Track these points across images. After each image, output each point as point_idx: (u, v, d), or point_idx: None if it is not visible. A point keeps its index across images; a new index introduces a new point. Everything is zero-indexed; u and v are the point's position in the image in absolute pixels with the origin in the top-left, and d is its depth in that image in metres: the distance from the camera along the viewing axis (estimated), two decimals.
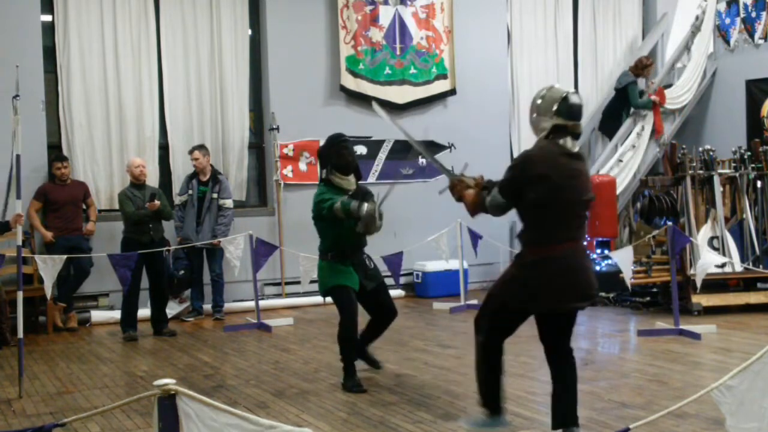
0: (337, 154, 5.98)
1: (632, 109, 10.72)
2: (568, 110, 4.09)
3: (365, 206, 5.62)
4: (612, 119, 11.00)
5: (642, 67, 10.78)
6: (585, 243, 4.23)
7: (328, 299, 6.02)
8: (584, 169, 4.25)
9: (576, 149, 4.18)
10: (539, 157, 4.11)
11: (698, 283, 7.79)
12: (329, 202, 5.74)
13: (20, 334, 5.77)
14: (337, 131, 10.83)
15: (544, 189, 4.03)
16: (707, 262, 7.86)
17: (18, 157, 5.81)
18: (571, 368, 4.25)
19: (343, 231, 5.81)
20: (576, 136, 4.16)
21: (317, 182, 10.09)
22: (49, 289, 6.57)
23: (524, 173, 4.10)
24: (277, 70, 10.09)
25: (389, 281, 9.58)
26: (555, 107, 4.09)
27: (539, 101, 4.16)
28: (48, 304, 8.23)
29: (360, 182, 6.18)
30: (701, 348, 6.74)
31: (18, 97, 5.89)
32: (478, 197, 4.41)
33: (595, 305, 4.30)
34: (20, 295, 5.75)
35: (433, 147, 10.86)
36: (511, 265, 4.36)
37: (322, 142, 9.99)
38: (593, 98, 11.95)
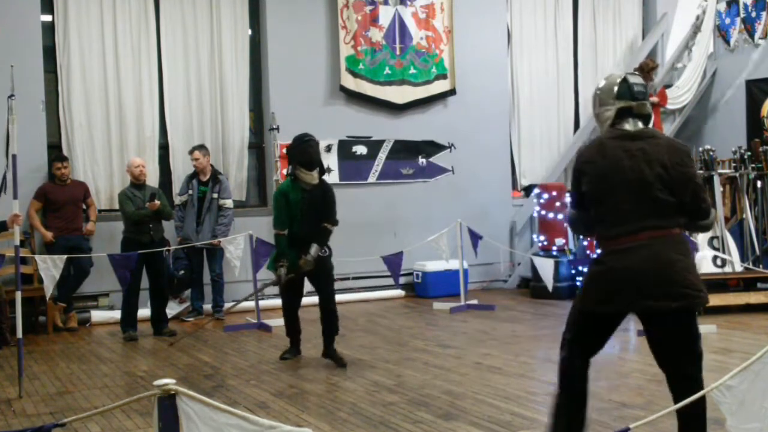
0: (301, 151, 6.61)
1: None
2: (630, 90, 3.88)
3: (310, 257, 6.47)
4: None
5: (648, 71, 10.78)
6: (673, 231, 3.67)
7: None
8: (651, 144, 3.75)
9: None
10: (588, 146, 3.94)
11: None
12: (277, 216, 6.71)
13: (20, 334, 5.77)
14: (337, 131, 10.92)
15: (592, 176, 3.76)
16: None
17: (14, 156, 5.81)
18: (695, 392, 3.40)
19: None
20: (644, 117, 3.89)
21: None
22: (49, 290, 6.56)
23: (576, 169, 3.88)
24: (277, 70, 10.09)
25: (389, 281, 9.67)
26: (615, 90, 3.89)
27: (599, 92, 3.98)
28: (48, 304, 8.22)
29: (323, 177, 6.79)
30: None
31: (13, 96, 5.88)
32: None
33: (692, 310, 3.71)
34: (18, 295, 5.75)
35: (433, 147, 10.89)
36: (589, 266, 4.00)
37: (324, 143, 10.18)
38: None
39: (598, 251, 3.86)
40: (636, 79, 3.94)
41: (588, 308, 3.78)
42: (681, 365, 3.69)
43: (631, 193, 3.67)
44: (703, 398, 3.38)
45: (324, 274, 6.66)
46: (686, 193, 3.68)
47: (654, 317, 3.67)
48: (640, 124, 3.84)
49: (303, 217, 6.51)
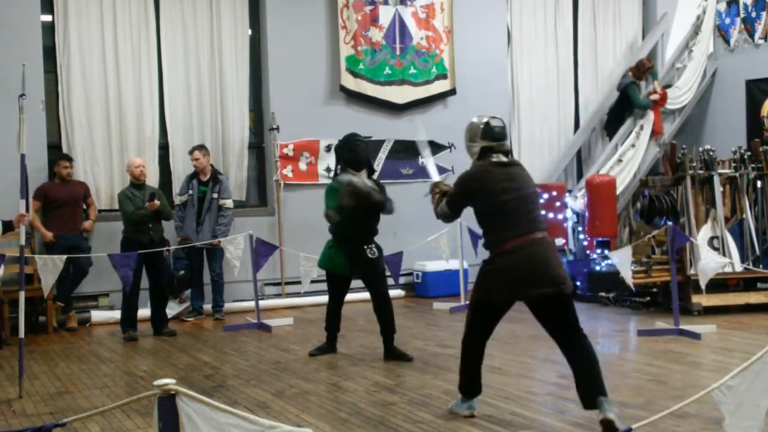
0: (349, 150, 6.65)
1: (635, 110, 10.75)
2: (491, 132, 4.78)
3: (353, 179, 6.35)
4: (616, 120, 11.04)
5: (644, 70, 10.80)
6: (543, 235, 4.66)
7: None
8: (520, 171, 4.80)
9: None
10: (474, 173, 4.80)
11: (702, 284, 7.61)
12: (331, 202, 6.46)
13: (21, 334, 5.77)
14: (337, 131, 10.89)
15: (483, 197, 4.70)
16: (709, 263, 7.74)
17: (23, 156, 5.82)
18: (582, 344, 4.58)
19: (343, 219, 6.42)
20: (505, 153, 4.81)
21: (317, 182, 10.26)
22: (47, 289, 6.57)
23: (465, 190, 4.83)
24: (277, 70, 10.09)
25: (389, 281, 9.63)
26: (480, 131, 4.78)
27: (469, 128, 4.86)
28: (47, 303, 8.22)
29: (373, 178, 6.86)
30: (701, 348, 6.74)
31: (24, 96, 5.90)
32: (437, 203, 5.08)
33: (563, 294, 4.56)
34: (22, 295, 5.75)
35: (433, 147, 10.88)
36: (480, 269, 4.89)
37: (324, 142, 10.19)
38: (593, 98, 11.96)
39: (488, 257, 4.76)
40: (497, 123, 4.81)
41: (484, 299, 4.74)
42: (568, 326, 4.64)
43: (517, 206, 4.64)
44: (590, 345, 4.61)
45: (378, 275, 6.73)
46: (536, 203, 4.89)
47: (537, 302, 4.64)
48: (503, 157, 4.77)
49: (355, 217, 6.44)
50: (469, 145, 4.90)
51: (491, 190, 4.67)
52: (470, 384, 4.92)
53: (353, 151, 6.64)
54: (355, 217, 6.43)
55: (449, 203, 4.95)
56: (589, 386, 4.49)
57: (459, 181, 4.91)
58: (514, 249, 4.58)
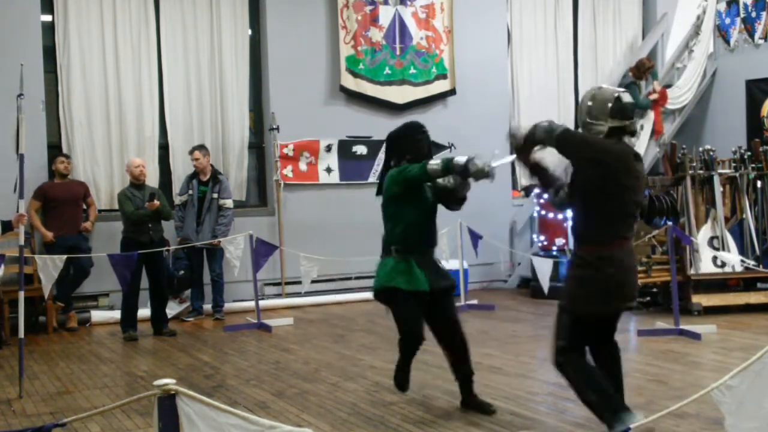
0: (413, 145, 5.08)
1: (635, 110, 10.74)
2: (623, 110, 3.99)
3: (476, 161, 4.71)
4: None
5: (644, 70, 10.80)
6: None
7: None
8: (644, 172, 4.19)
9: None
10: (616, 152, 3.99)
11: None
12: (416, 167, 4.81)
13: (21, 334, 5.77)
14: (337, 131, 10.84)
15: (616, 181, 3.96)
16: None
17: (22, 156, 5.83)
18: (615, 357, 4.33)
19: (419, 217, 4.99)
20: (633, 134, 4.13)
21: (317, 182, 10.25)
22: (47, 289, 6.57)
23: (605, 154, 3.96)
24: (277, 70, 10.09)
25: None
26: (609, 108, 3.98)
27: (590, 104, 4.04)
28: (47, 303, 8.23)
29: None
30: (701, 348, 6.74)
31: (22, 96, 5.89)
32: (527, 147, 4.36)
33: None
34: (21, 295, 5.75)
35: (433, 147, 10.86)
36: (573, 268, 4.21)
37: (324, 142, 10.19)
38: None
39: (582, 254, 4.09)
40: (628, 98, 4.05)
41: (586, 311, 4.09)
42: (611, 339, 4.33)
43: (628, 209, 4.04)
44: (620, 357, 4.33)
45: (450, 289, 5.07)
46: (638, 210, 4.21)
47: (616, 316, 4.28)
48: (633, 140, 4.07)
49: (427, 214, 5.11)
50: (591, 125, 4.03)
51: (624, 181, 3.97)
52: (610, 403, 4.01)
53: (418, 148, 5.06)
54: (429, 217, 5.10)
55: (571, 139, 4.09)
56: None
57: (596, 143, 4.01)
58: (619, 254, 4.02)
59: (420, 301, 4.86)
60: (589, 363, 4.19)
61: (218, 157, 9.70)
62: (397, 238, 4.94)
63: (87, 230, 8.78)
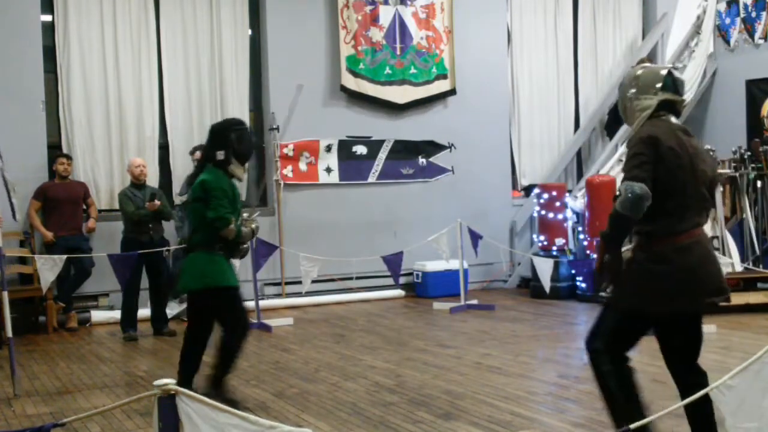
0: (239, 139, 5.46)
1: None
2: (675, 84, 3.72)
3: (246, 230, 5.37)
4: (617, 120, 11.05)
5: None
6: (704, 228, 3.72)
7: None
8: (699, 144, 3.74)
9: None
10: (663, 133, 3.57)
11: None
12: (227, 213, 5.19)
13: (9, 332, 5.81)
14: (337, 131, 10.87)
15: (669, 166, 3.52)
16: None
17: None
18: (699, 382, 3.56)
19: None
20: (678, 114, 3.78)
21: (317, 182, 10.25)
22: (45, 289, 6.56)
23: (654, 150, 3.52)
24: (277, 70, 10.09)
25: (389, 281, 9.67)
26: (662, 80, 3.70)
27: (639, 76, 3.74)
28: (48, 303, 8.23)
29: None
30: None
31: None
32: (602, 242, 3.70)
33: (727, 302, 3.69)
34: (5, 295, 5.74)
35: (433, 147, 10.89)
36: (631, 263, 3.67)
37: (324, 142, 10.18)
38: (593, 98, 11.96)
39: (651, 248, 3.60)
40: (679, 75, 3.81)
41: (651, 310, 3.60)
42: (697, 356, 3.74)
43: (693, 189, 3.60)
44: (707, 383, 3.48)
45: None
46: (714, 192, 3.74)
47: (698, 315, 3.69)
48: (677, 121, 3.73)
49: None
50: (640, 99, 3.69)
51: (680, 160, 3.54)
52: (633, 414, 3.53)
53: (245, 142, 5.60)
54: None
55: (636, 172, 3.46)
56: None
57: (644, 142, 3.55)
58: (690, 245, 3.56)
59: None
60: (626, 369, 3.75)
61: None
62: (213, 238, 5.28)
63: (91, 230, 8.77)
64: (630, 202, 3.43)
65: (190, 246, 5.34)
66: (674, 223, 3.57)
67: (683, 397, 3.54)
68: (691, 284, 3.56)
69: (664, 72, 3.74)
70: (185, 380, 5.16)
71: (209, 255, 5.21)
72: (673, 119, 3.71)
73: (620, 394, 3.70)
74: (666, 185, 3.53)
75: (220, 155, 5.35)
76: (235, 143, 5.40)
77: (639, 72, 3.78)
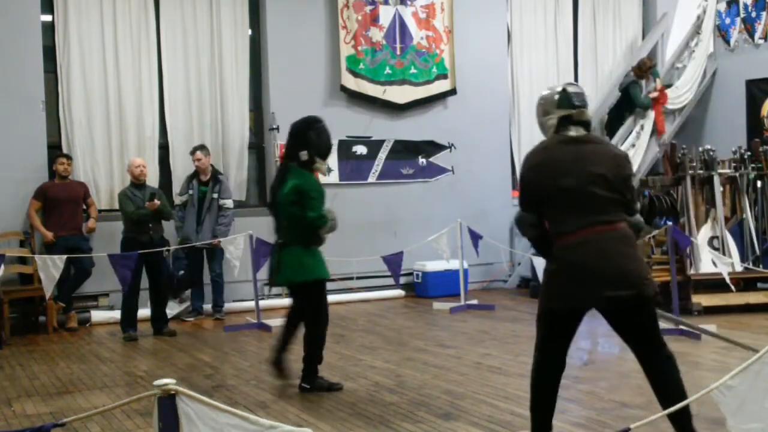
0: (319, 137, 5.74)
1: (636, 109, 10.76)
2: (569, 99, 4.05)
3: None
4: (617, 120, 11.06)
5: (645, 69, 10.80)
6: (616, 226, 3.87)
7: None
8: (594, 148, 3.99)
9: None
10: (533, 152, 4.08)
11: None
12: (323, 212, 5.60)
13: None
14: (337, 131, 10.85)
15: (540, 181, 3.95)
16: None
17: None
18: (666, 364, 3.92)
19: None
20: (584, 124, 4.07)
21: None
22: (48, 290, 6.56)
23: (522, 177, 4.09)
24: (277, 70, 10.08)
25: (389, 281, 9.66)
26: (556, 100, 4.06)
27: (542, 101, 4.16)
28: (48, 303, 8.23)
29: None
30: (701, 348, 6.74)
31: None
32: None
33: (644, 296, 3.84)
34: None
35: (433, 147, 10.89)
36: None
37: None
38: (593, 98, 11.95)
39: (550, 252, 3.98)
40: (574, 89, 4.13)
41: (548, 308, 3.95)
42: (647, 340, 3.96)
43: (578, 192, 3.86)
44: (678, 370, 3.90)
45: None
46: (627, 191, 3.94)
47: (613, 309, 3.89)
48: (582, 131, 4.03)
49: None
50: (544, 121, 4.12)
51: (549, 171, 3.92)
52: (540, 428, 4.11)
53: (325, 139, 5.88)
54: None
55: (521, 201, 4.13)
56: (676, 421, 3.87)
57: (522, 165, 4.13)
58: (579, 243, 3.83)
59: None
60: (547, 371, 4.09)
61: (218, 157, 9.69)
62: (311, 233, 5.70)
63: (91, 230, 8.78)
64: (515, 224, 4.23)
65: (285, 242, 5.68)
66: (558, 226, 3.91)
67: (648, 378, 3.95)
68: (585, 280, 3.80)
69: (558, 90, 4.11)
70: (318, 359, 5.74)
71: (307, 249, 5.62)
72: (574, 132, 4.00)
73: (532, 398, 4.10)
74: (539, 195, 3.97)
75: (304, 155, 5.62)
76: (315, 141, 5.67)
77: (541, 100, 4.16)
